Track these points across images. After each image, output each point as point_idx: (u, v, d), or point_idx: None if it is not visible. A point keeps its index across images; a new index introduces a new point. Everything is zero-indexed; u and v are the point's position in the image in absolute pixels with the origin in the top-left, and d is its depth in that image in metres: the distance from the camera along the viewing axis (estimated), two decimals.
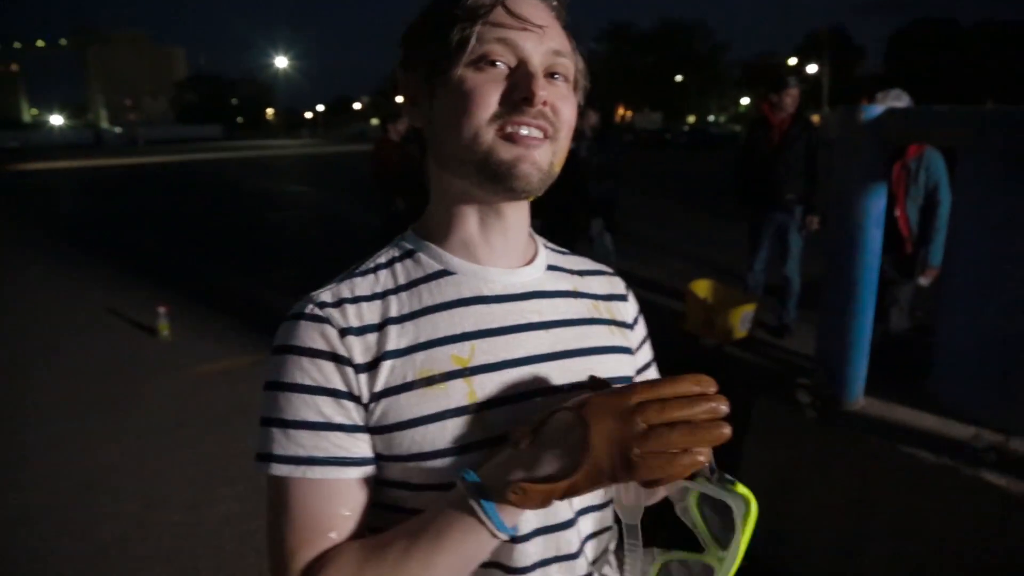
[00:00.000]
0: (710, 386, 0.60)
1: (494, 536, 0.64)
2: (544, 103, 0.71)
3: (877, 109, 2.36)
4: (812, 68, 49.20)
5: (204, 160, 33.69)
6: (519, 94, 0.70)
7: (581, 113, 0.81)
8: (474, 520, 0.63)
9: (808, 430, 2.46)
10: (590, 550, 0.80)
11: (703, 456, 0.59)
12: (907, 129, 2.53)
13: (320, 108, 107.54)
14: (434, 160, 0.79)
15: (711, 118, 73.84)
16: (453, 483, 0.69)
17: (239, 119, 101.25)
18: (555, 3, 0.76)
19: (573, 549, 0.77)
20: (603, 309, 0.87)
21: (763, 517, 2.23)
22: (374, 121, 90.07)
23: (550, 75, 0.73)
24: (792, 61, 54.80)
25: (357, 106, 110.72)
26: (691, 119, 64.83)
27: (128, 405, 4.26)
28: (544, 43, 0.72)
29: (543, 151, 0.73)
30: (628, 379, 0.86)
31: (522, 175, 0.72)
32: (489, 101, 0.71)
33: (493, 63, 0.71)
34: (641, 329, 0.93)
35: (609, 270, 0.94)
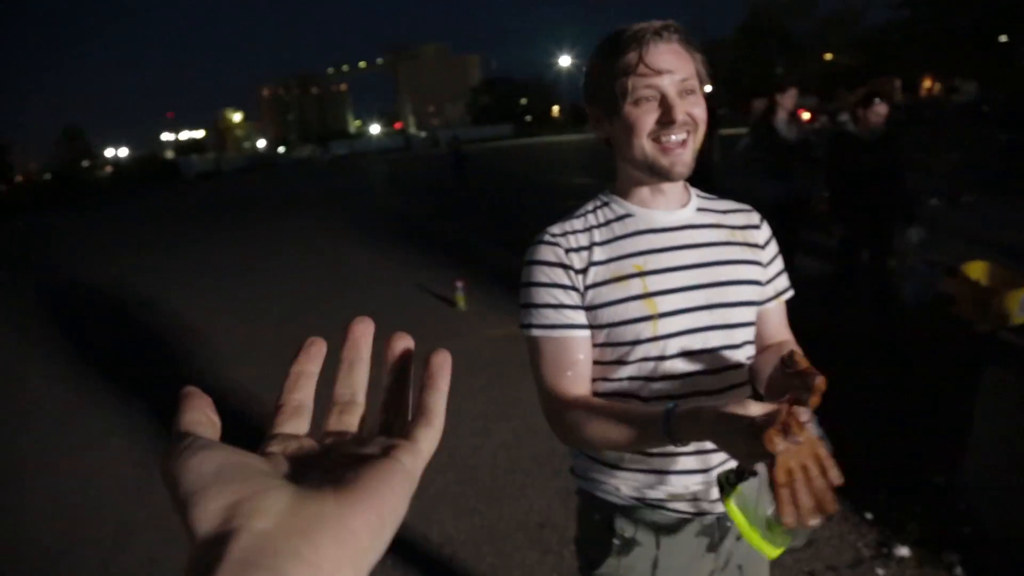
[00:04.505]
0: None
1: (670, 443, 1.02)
2: (683, 115, 1.13)
3: None
4: None
5: (496, 154, 36.72)
6: (666, 118, 1.13)
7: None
8: (662, 437, 1.02)
9: None
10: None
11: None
12: None
13: None
14: (618, 155, 1.23)
15: None
16: (634, 341, 1.16)
17: (528, 118, 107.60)
18: (675, 37, 1.13)
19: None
20: (739, 235, 1.28)
21: (991, 486, 2.43)
22: None
23: (684, 92, 1.15)
24: None
25: None
26: None
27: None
28: (675, 76, 1.13)
29: (687, 152, 1.17)
30: (757, 282, 1.26)
31: (676, 173, 1.17)
32: (646, 126, 1.14)
33: (646, 100, 1.14)
34: (772, 248, 1.32)
35: (748, 208, 1.34)
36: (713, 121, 9.99)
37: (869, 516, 2.82)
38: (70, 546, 3.32)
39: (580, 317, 1.20)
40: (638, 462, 1.24)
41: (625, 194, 1.26)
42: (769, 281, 1.31)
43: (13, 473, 4.26)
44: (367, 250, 10.63)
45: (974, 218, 8.34)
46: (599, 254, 1.20)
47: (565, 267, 1.20)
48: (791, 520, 0.85)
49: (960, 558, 2.51)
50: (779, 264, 1.34)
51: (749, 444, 0.88)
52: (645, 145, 1.15)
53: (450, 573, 2.79)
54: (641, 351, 1.18)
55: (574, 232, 1.23)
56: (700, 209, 1.28)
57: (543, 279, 1.21)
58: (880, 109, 4.63)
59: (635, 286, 1.18)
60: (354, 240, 11.81)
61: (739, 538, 1.31)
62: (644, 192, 1.24)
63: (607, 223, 1.24)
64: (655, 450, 1.21)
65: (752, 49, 58.20)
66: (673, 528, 1.26)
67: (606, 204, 1.27)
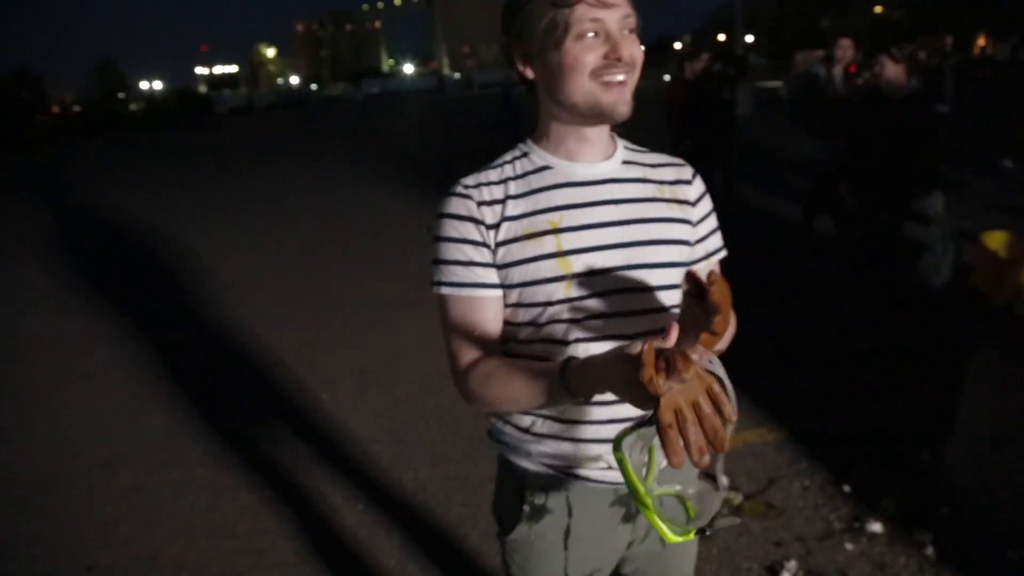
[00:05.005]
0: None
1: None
2: (628, 53, 1.04)
3: None
4: None
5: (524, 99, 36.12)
6: (613, 55, 1.04)
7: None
8: (559, 390, 0.97)
9: None
10: None
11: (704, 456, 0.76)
12: None
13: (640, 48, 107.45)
14: (547, 97, 1.11)
15: None
16: (546, 302, 1.09)
17: None
18: None
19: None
20: (667, 191, 1.19)
21: (972, 467, 2.33)
22: None
23: (625, 29, 1.05)
24: None
25: (678, 46, 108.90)
26: None
27: (430, 302, 5.20)
28: (619, 11, 1.04)
29: (629, 90, 1.07)
30: (684, 242, 1.17)
31: (620, 113, 1.08)
32: (589, 64, 1.04)
33: (591, 34, 1.03)
34: (704, 206, 1.23)
35: (680, 162, 1.24)
36: (740, 72, 9.68)
37: (847, 489, 2.76)
38: (59, 472, 3.39)
39: (491, 275, 1.13)
40: (550, 428, 1.18)
41: (546, 144, 1.17)
42: (699, 241, 1.22)
43: (13, 397, 4.36)
44: (382, 190, 10.59)
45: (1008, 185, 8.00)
46: (513, 208, 1.12)
47: (476, 222, 1.12)
48: (677, 461, 0.76)
49: (933, 537, 2.44)
50: (712, 223, 1.25)
51: (636, 390, 0.81)
52: (586, 84, 1.05)
53: (418, 520, 2.79)
54: (553, 313, 1.11)
55: (488, 184, 1.14)
56: (626, 162, 1.19)
57: (453, 234, 1.13)
58: (888, 66, 4.44)
59: (548, 244, 1.10)
60: (371, 179, 11.78)
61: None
62: (568, 141, 1.15)
63: (524, 175, 1.15)
64: (567, 417, 1.16)
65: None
66: (586, 497, 1.21)
67: (525, 155, 1.18)
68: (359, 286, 5.97)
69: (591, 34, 1.03)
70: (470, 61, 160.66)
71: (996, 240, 4.69)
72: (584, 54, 1.04)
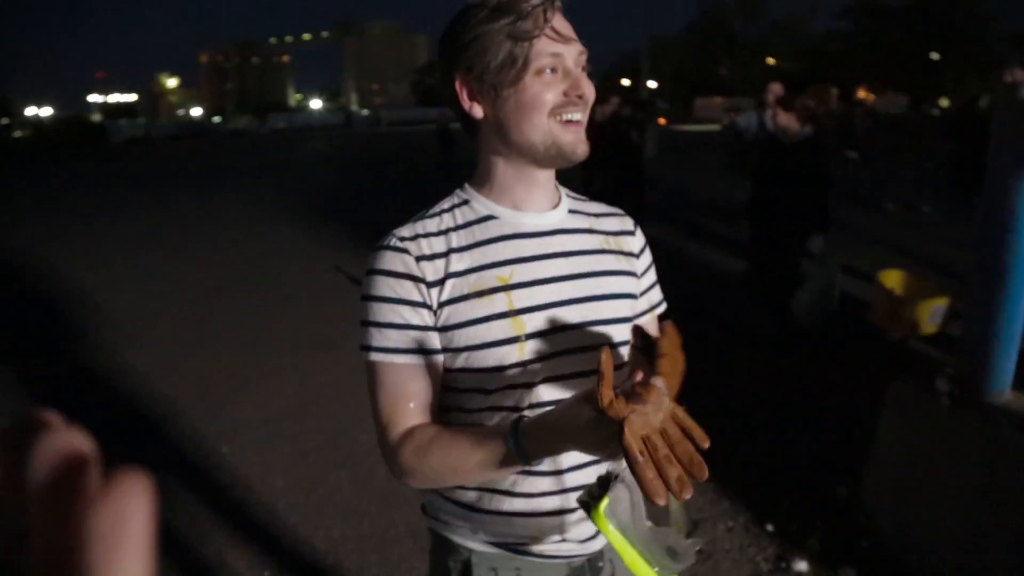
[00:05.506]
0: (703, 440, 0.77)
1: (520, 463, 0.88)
2: (588, 90, 0.98)
3: None
4: None
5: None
6: (574, 92, 0.97)
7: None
8: (510, 453, 0.88)
9: (941, 417, 2.42)
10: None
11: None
12: None
13: None
14: (496, 139, 1.01)
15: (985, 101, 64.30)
16: (497, 367, 0.98)
17: None
18: (563, 8, 0.98)
19: (589, 458, 1.02)
20: (613, 242, 1.12)
21: (889, 501, 2.34)
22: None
23: (581, 66, 0.98)
24: None
25: None
26: (944, 102, 57.60)
27: (341, 345, 5.00)
28: (575, 47, 0.97)
29: (583, 128, 1.00)
30: (631, 295, 1.11)
31: (580, 153, 1.00)
32: (549, 101, 0.96)
33: (550, 71, 0.96)
34: (646, 257, 1.18)
35: (620, 212, 1.18)
36: (649, 114, 10.00)
37: (770, 528, 2.75)
38: None
39: (431, 339, 1.00)
40: (497, 502, 1.07)
41: (489, 191, 1.06)
42: (643, 293, 1.16)
43: None
44: (289, 227, 10.23)
45: (913, 228, 8.49)
46: (458, 263, 1.00)
47: (415, 279, 0.99)
48: (661, 499, 0.71)
49: (856, 573, 2.46)
50: (653, 275, 1.20)
51: (598, 429, 0.77)
52: (546, 123, 0.97)
53: None
54: (505, 378, 1.00)
55: (427, 236, 1.02)
56: (572, 211, 1.11)
57: (388, 293, 1.00)
58: (780, 114, 4.69)
59: (499, 302, 0.99)
60: (278, 216, 11.37)
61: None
62: (514, 188, 1.05)
63: (467, 225, 1.04)
64: (518, 489, 1.05)
65: (700, 48, 59.01)
66: (538, 574, 1.11)
67: (466, 202, 1.07)
68: (264, 329, 5.67)
69: (550, 70, 0.96)
70: (379, 98, 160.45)
71: (892, 279, 4.94)
72: (544, 91, 0.96)
